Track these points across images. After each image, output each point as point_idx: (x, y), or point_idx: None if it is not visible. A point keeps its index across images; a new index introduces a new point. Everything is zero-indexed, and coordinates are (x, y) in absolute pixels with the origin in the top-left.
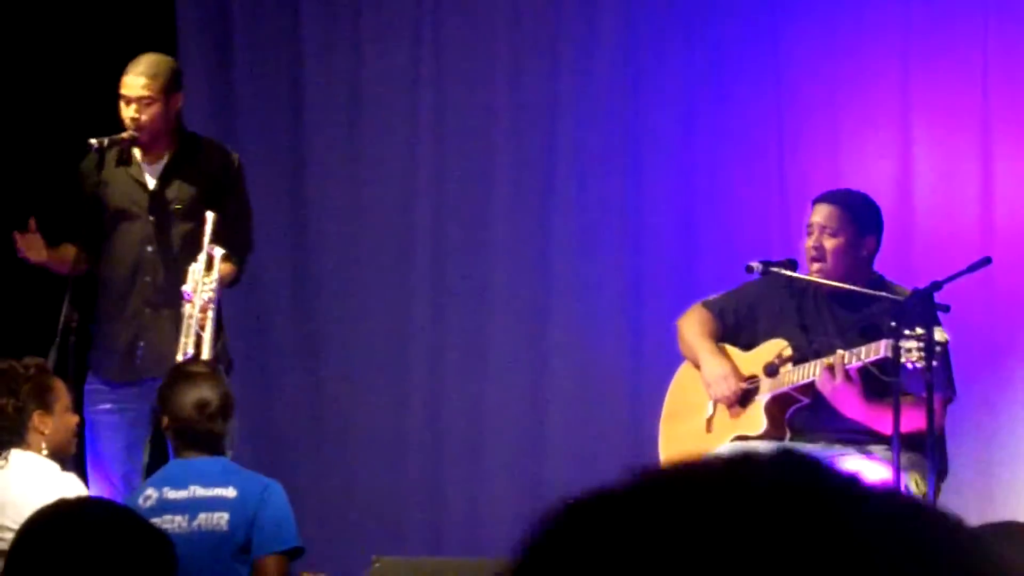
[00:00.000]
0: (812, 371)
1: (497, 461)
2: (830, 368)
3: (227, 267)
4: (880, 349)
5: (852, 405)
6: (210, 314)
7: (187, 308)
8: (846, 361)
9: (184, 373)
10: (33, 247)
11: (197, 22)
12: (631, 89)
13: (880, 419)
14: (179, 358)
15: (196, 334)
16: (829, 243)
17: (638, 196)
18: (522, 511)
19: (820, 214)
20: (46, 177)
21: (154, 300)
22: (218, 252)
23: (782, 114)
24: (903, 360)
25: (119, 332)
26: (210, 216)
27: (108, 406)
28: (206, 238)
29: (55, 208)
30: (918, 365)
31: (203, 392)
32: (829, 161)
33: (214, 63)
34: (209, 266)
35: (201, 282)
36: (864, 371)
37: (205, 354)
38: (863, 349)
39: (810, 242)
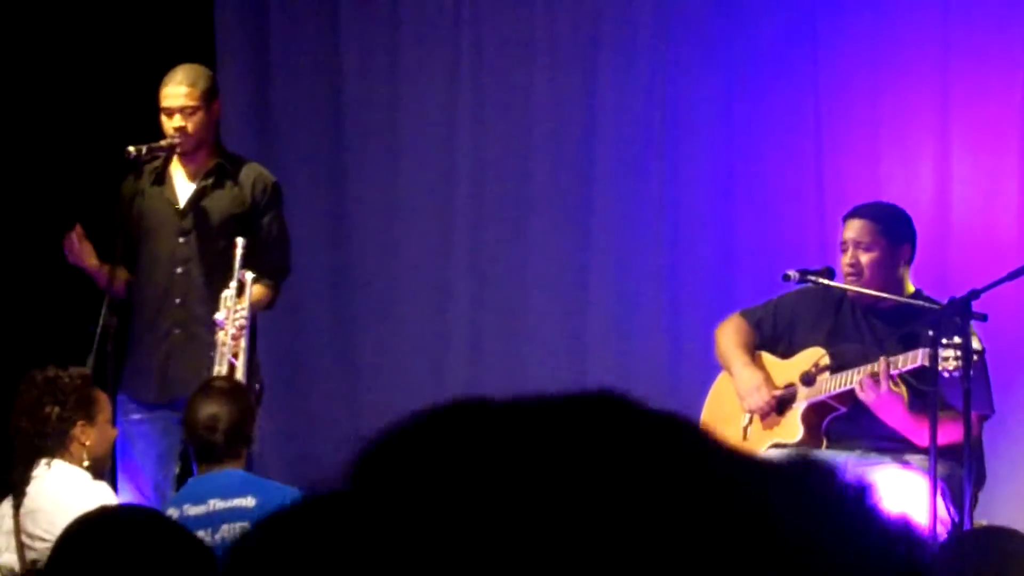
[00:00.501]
0: (850, 379)
1: None
2: (874, 376)
3: (261, 291)
4: (918, 358)
5: (895, 414)
6: (243, 342)
7: (220, 335)
8: (890, 368)
9: (203, 387)
10: (85, 253)
11: (236, 34)
12: (669, 98)
13: (919, 430)
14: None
15: (229, 362)
16: (864, 258)
17: (676, 205)
18: None
19: (852, 230)
20: (86, 191)
21: (184, 321)
22: (249, 277)
23: (820, 122)
24: (940, 368)
25: (150, 353)
26: (240, 242)
27: (139, 416)
28: (236, 263)
29: (95, 224)
30: (955, 374)
31: (215, 408)
32: (868, 170)
33: (253, 71)
34: (240, 292)
35: (233, 309)
36: (905, 381)
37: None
38: (901, 358)
39: (846, 259)
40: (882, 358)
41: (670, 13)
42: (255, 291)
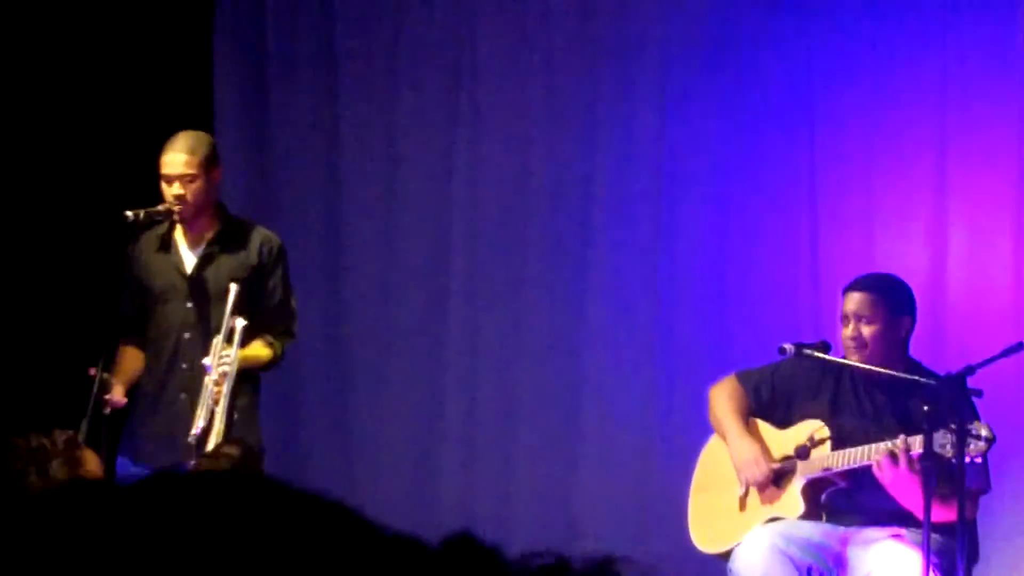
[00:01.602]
0: (857, 457)
1: (524, 525)
2: (892, 455)
3: (260, 347)
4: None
5: (910, 493)
6: (224, 388)
7: (206, 380)
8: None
9: (213, 453)
10: (116, 397)
11: (234, 90)
12: (665, 169)
13: (932, 508)
14: (193, 431)
15: (209, 407)
16: (867, 330)
17: (671, 273)
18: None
19: (853, 303)
20: (85, 255)
21: (192, 387)
22: (239, 324)
23: (815, 193)
24: (949, 456)
25: (157, 418)
26: (233, 287)
27: (138, 471)
28: (228, 308)
29: (98, 290)
30: (955, 458)
31: None
32: (863, 242)
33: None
34: (229, 338)
35: (220, 354)
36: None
37: (216, 427)
38: (917, 439)
39: (848, 332)
40: (901, 437)
41: (667, 84)
42: (253, 346)
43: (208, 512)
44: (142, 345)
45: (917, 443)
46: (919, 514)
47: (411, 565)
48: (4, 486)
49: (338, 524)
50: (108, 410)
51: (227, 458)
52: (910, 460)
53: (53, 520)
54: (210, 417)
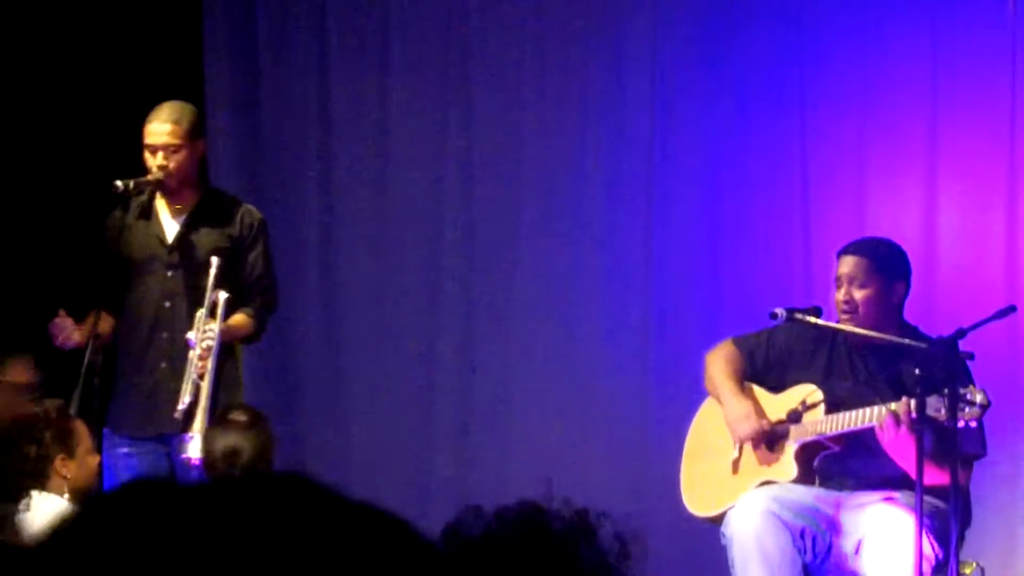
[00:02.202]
0: (851, 421)
1: (519, 492)
2: (895, 416)
3: (241, 319)
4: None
5: (910, 454)
6: (209, 363)
7: (190, 354)
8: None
9: (221, 420)
10: (67, 332)
11: (224, 56)
12: (657, 134)
13: (929, 470)
14: (179, 406)
15: (194, 382)
16: (859, 294)
17: (664, 238)
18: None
19: (847, 266)
20: (72, 225)
21: (172, 355)
22: (222, 297)
23: (807, 157)
24: (941, 419)
25: (138, 387)
26: (215, 261)
27: (126, 449)
28: (210, 282)
29: (81, 259)
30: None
31: (234, 440)
32: (854, 206)
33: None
34: (212, 312)
35: (203, 329)
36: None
37: (201, 402)
38: (914, 403)
39: (840, 295)
40: (904, 398)
41: (659, 51)
42: (235, 318)
43: (275, 522)
44: (117, 313)
45: (913, 407)
46: (913, 476)
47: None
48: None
49: (388, 532)
50: (98, 381)
51: (237, 425)
52: (911, 421)
53: (117, 522)
54: (196, 392)
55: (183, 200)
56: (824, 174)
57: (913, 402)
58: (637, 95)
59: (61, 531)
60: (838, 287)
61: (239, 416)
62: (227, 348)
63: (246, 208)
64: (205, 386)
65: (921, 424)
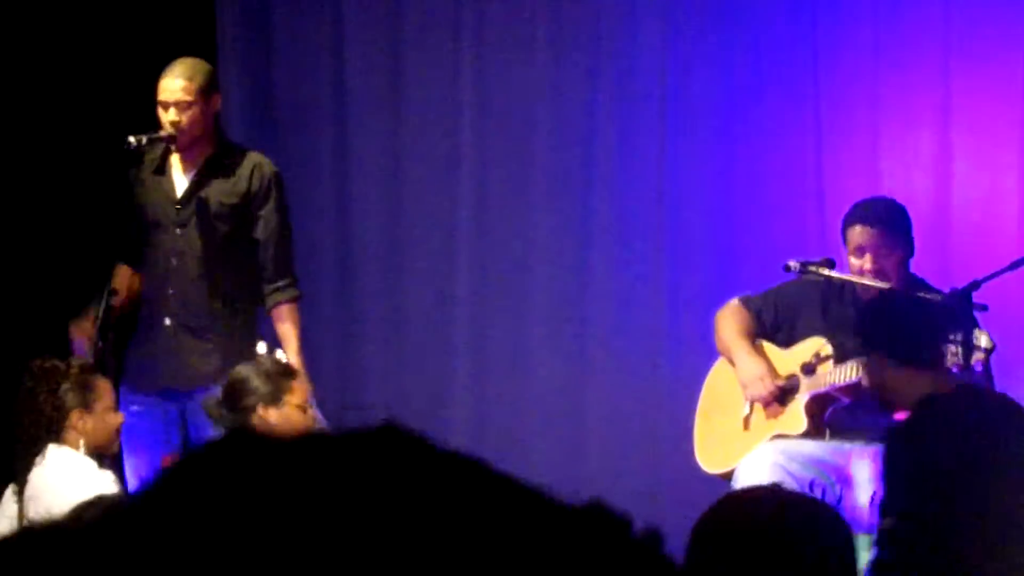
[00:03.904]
0: (855, 370)
1: (536, 452)
2: (875, 358)
3: (292, 314)
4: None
5: (901, 394)
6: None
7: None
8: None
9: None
10: (83, 331)
11: (237, 22)
12: (670, 87)
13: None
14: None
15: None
16: (888, 262)
17: (676, 194)
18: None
19: (867, 236)
20: (86, 181)
21: (177, 312)
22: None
23: (820, 113)
24: (949, 364)
25: (148, 343)
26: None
27: (137, 407)
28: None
29: (97, 215)
30: (960, 367)
31: (244, 371)
32: (868, 162)
33: (255, 53)
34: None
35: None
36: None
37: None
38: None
39: (866, 264)
40: (875, 353)
41: (671, 9)
42: (289, 324)
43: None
44: (136, 266)
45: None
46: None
47: (554, 528)
48: (20, 403)
49: (484, 482)
50: (112, 336)
51: (261, 364)
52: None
53: (216, 478)
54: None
55: (196, 156)
56: (838, 130)
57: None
58: (649, 54)
59: (159, 488)
60: (858, 256)
61: (264, 360)
62: (243, 302)
63: (259, 161)
64: None
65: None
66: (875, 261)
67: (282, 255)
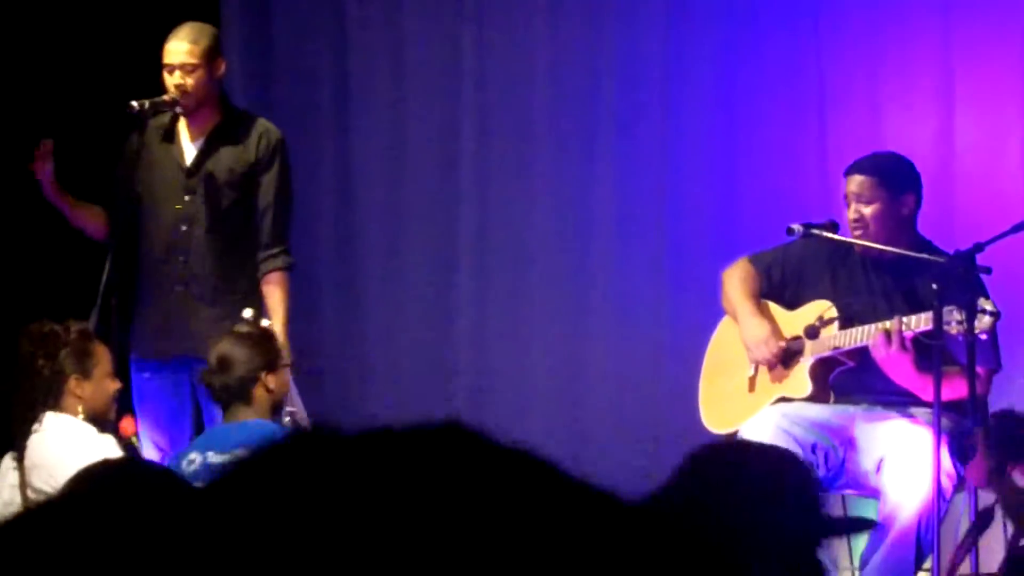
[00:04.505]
0: (862, 336)
1: (538, 414)
2: (886, 333)
3: (282, 283)
4: (931, 320)
5: (903, 372)
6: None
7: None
8: (903, 328)
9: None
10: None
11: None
12: (672, 52)
13: (928, 387)
14: None
15: None
16: (867, 210)
17: (679, 157)
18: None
19: (853, 184)
20: (89, 145)
21: (186, 279)
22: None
23: (823, 74)
24: (955, 332)
25: (155, 310)
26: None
27: (148, 375)
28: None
29: (99, 178)
30: (964, 335)
31: (228, 348)
32: (870, 122)
33: (256, 26)
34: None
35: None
36: (914, 339)
37: None
38: (914, 318)
39: (850, 213)
40: (896, 317)
41: None
42: (278, 294)
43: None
44: (111, 230)
45: (922, 321)
46: (915, 392)
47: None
48: (17, 369)
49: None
50: (115, 301)
51: (238, 335)
52: (902, 340)
53: (281, 475)
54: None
55: (203, 122)
56: (840, 92)
57: (912, 318)
58: (651, 19)
59: (228, 481)
60: (847, 205)
61: (242, 328)
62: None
63: (264, 127)
64: None
65: (939, 339)
66: (856, 209)
67: (279, 222)
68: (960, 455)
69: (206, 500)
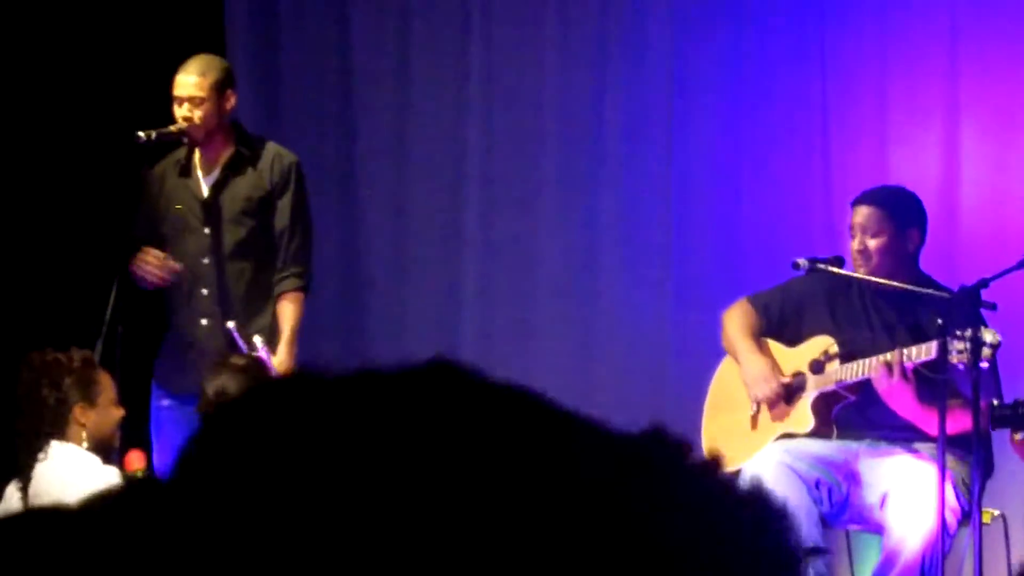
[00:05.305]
0: (863, 369)
1: None
2: (888, 365)
3: (293, 303)
4: (932, 350)
5: (906, 404)
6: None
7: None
8: (904, 359)
9: (218, 364)
10: (150, 270)
11: (245, 15)
12: (676, 85)
13: (930, 419)
14: None
15: None
16: (872, 243)
17: (683, 191)
18: None
19: (860, 215)
20: (98, 179)
21: (211, 311)
22: (258, 341)
23: (828, 107)
24: (955, 361)
25: (181, 343)
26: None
27: (168, 403)
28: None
29: (103, 209)
30: (968, 365)
31: (224, 382)
32: (875, 156)
33: (261, 45)
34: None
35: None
36: (916, 371)
37: None
38: (915, 349)
39: (854, 244)
40: (898, 348)
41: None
42: (288, 312)
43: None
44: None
45: (923, 352)
46: (917, 424)
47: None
48: (21, 397)
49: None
50: (121, 330)
51: (231, 367)
52: (904, 372)
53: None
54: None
55: (216, 154)
56: (845, 121)
57: (913, 349)
58: (657, 36)
59: (220, 420)
60: (852, 236)
61: (236, 360)
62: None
63: (277, 152)
64: None
65: (944, 372)
66: (861, 240)
67: (295, 244)
68: (965, 489)
69: (192, 442)
